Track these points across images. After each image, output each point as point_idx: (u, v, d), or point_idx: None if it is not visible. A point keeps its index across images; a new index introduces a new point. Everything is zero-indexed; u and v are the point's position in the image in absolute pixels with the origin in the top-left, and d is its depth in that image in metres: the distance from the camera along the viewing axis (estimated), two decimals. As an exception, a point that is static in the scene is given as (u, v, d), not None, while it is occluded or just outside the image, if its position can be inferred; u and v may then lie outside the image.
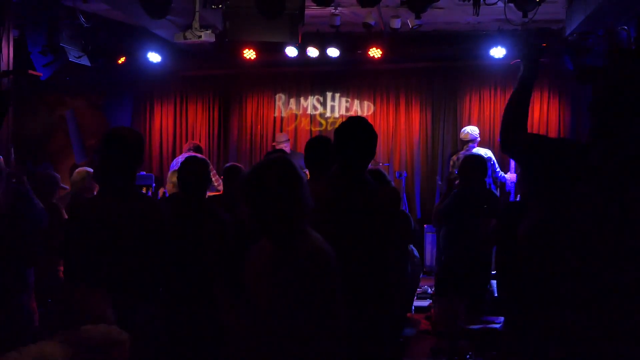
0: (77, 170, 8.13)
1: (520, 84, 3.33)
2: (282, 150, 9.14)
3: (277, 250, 3.19)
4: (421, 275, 8.05)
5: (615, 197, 2.35)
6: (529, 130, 3.31)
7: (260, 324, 3.18)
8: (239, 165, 7.95)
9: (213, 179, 10.60)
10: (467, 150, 10.66)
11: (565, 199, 2.62)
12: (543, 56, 3.34)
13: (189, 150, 11.08)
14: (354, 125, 4.23)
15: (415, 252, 7.41)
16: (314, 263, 3.09)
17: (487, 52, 11.06)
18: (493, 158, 10.73)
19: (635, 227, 2.32)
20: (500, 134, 3.29)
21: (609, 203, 2.37)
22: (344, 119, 4.72)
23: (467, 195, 7.08)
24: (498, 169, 10.65)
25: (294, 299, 3.08)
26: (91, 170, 7.98)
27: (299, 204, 3.17)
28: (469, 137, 10.97)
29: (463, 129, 11.35)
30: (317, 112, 13.46)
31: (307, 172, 11.32)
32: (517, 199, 8.77)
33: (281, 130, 13.45)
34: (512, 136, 3.23)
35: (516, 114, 3.27)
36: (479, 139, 11.04)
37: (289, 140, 11.73)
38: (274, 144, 11.94)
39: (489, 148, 12.10)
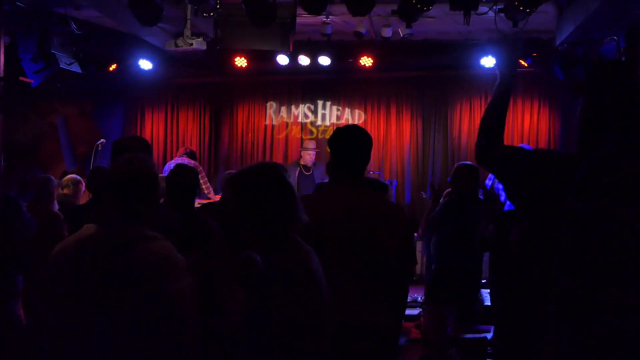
0: (69, 175, 8.12)
1: (497, 93, 3.27)
2: (275, 164, 9.06)
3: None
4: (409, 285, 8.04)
5: (602, 214, 2.35)
6: (520, 140, 3.29)
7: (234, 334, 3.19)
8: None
9: (204, 186, 10.60)
10: None
11: (551, 213, 2.61)
12: (519, 65, 3.25)
13: (182, 155, 11.07)
14: (346, 133, 4.21)
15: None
16: (290, 277, 3.05)
17: (478, 61, 11.10)
18: None
19: (622, 245, 2.31)
20: (476, 146, 3.24)
21: (595, 220, 2.37)
22: (334, 128, 4.69)
23: (458, 204, 7.09)
24: None
25: (265, 314, 3.06)
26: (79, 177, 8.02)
27: (279, 214, 3.13)
28: None
29: None
30: (308, 120, 13.48)
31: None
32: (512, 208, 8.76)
33: (272, 138, 13.49)
34: (487, 149, 3.19)
35: (492, 125, 3.22)
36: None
37: (314, 148, 11.68)
38: (301, 149, 11.98)
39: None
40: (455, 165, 7.43)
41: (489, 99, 3.31)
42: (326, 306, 3.18)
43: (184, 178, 5.41)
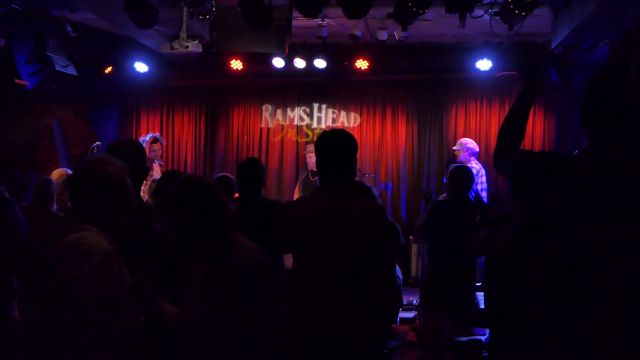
0: (56, 172, 8.07)
1: (518, 105, 3.28)
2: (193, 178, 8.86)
3: (207, 262, 3.31)
4: (402, 288, 8.04)
5: (588, 224, 2.34)
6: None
7: (191, 337, 3.25)
8: (230, 175, 7.92)
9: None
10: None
11: (540, 217, 2.62)
12: (542, 74, 3.29)
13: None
14: (328, 140, 4.20)
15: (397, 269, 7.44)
16: (241, 271, 3.22)
17: (473, 64, 11.11)
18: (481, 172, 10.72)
19: (608, 256, 2.30)
20: (494, 154, 3.25)
21: (581, 229, 2.35)
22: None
23: (449, 206, 7.12)
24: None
25: (221, 311, 3.19)
26: (69, 171, 8.00)
27: (208, 218, 3.30)
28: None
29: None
30: (304, 123, 13.47)
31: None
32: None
33: (267, 141, 13.46)
34: (504, 157, 3.20)
35: (511, 136, 3.23)
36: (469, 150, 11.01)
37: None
38: (304, 152, 11.85)
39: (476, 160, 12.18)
40: (450, 167, 7.48)
41: (509, 109, 3.32)
42: (276, 298, 3.38)
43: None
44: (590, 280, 2.31)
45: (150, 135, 11.58)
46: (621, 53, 8.15)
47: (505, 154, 3.22)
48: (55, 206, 7.39)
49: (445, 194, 7.58)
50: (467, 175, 7.24)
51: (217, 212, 3.31)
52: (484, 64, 11.01)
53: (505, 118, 3.33)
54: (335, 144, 4.13)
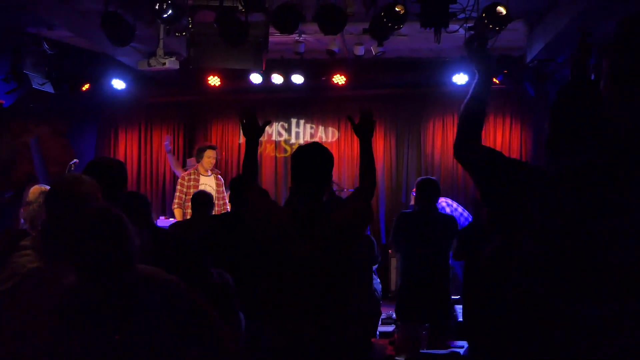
0: (32, 189, 8.01)
1: (475, 90, 3.30)
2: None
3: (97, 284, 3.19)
4: (381, 302, 8.06)
5: (565, 231, 2.36)
6: None
7: None
8: (207, 192, 7.95)
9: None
10: None
11: (517, 226, 2.63)
12: (495, 61, 3.28)
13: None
14: (305, 154, 4.22)
15: (376, 280, 7.45)
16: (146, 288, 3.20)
17: (450, 78, 11.17)
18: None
19: (588, 261, 2.32)
20: (455, 145, 3.28)
21: (559, 236, 2.38)
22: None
23: (413, 218, 7.17)
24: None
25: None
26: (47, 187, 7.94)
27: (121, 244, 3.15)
28: None
29: None
30: (282, 139, 13.49)
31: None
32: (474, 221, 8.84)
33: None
34: (466, 145, 3.23)
35: (472, 123, 3.26)
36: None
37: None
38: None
39: (453, 173, 12.26)
40: (417, 180, 7.52)
41: (467, 98, 3.34)
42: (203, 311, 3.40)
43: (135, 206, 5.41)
44: (566, 282, 2.33)
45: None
46: (580, 62, 8.24)
47: (466, 145, 3.24)
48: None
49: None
50: (433, 186, 7.28)
51: (128, 241, 3.14)
52: (460, 78, 11.07)
53: (463, 107, 3.34)
54: (312, 157, 4.15)
